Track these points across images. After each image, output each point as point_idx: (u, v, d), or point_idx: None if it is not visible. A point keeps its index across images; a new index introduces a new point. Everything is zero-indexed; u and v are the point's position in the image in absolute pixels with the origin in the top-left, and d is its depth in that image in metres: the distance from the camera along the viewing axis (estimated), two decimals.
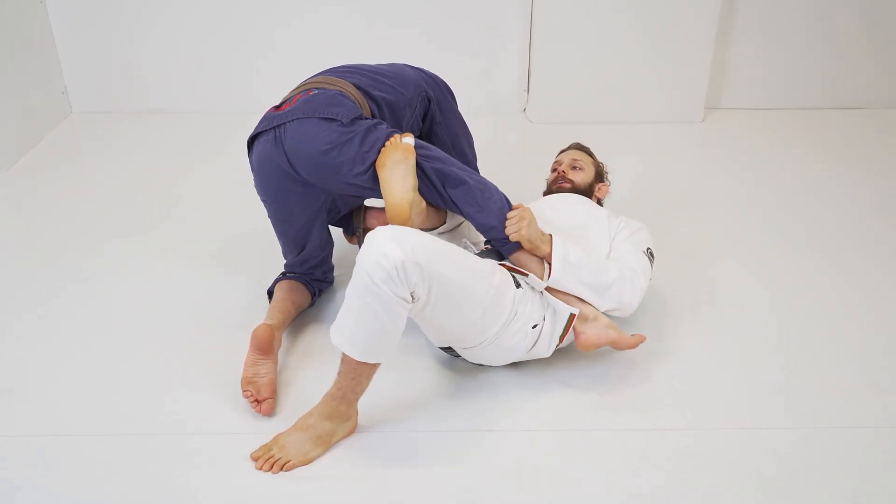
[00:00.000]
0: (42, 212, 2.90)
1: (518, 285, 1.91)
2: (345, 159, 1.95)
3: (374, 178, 1.96)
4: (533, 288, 1.97)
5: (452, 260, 1.75)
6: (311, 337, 2.20)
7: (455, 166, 2.02)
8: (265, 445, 1.79)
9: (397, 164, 1.91)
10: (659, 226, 2.62)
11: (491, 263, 1.90)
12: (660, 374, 2.05)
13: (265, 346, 1.99)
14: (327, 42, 3.62)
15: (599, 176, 2.41)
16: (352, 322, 1.71)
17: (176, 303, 2.36)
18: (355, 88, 2.09)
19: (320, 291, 2.32)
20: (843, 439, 1.85)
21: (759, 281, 2.46)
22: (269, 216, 2.19)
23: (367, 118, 2.01)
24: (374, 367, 1.76)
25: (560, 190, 2.35)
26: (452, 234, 2.26)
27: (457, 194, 1.99)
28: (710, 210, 2.91)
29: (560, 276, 1.95)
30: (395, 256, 1.63)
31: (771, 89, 3.78)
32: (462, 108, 2.47)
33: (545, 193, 2.42)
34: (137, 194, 3.02)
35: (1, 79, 3.22)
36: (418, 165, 1.97)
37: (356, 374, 1.75)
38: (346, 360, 1.74)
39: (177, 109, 3.76)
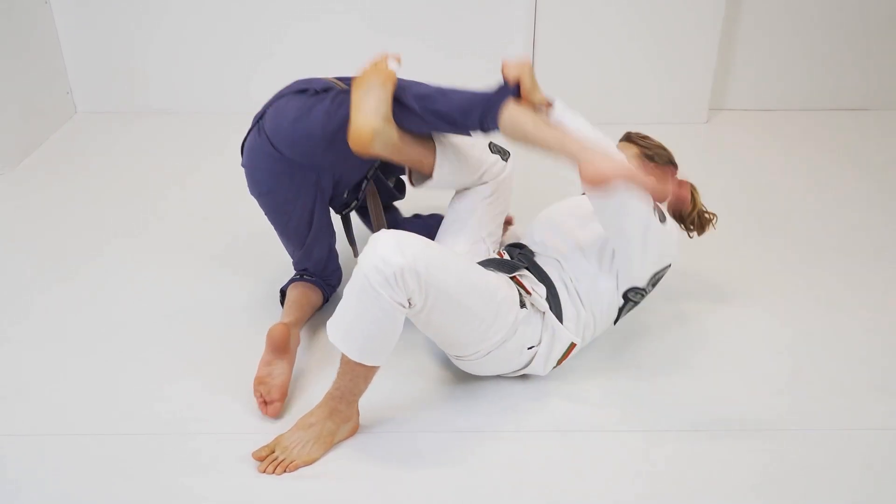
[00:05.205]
0: (46, 212, 2.91)
1: (523, 305, 1.88)
2: (315, 123, 1.95)
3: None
4: (536, 307, 1.93)
5: (455, 272, 1.73)
6: (322, 337, 2.19)
7: (438, 89, 1.92)
8: (267, 446, 1.79)
9: (373, 89, 1.86)
10: None
11: (497, 278, 1.87)
12: (661, 375, 2.04)
13: (280, 346, 1.97)
14: (329, 42, 3.62)
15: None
16: (348, 321, 1.71)
17: (180, 302, 2.36)
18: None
19: (333, 291, 2.33)
20: (848, 441, 1.85)
21: (762, 281, 2.46)
22: (266, 215, 2.17)
23: (341, 89, 2.00)
24: (372, 369, 1.76)
25: None
26: (472, 190, 2.21)
27: (437, 104, 1.87)
28: (713, 210, 2.89)
29: (561, 112, 1.85)
30: (394, 263, 1.63)
31: (775, 90, 3.77)
32: None
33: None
34: (142, 194, 3.03)
35: (6, 79, 3.24)
36: (397, 98, 1.91)
37: (354, 375, 1.76)
38: (344, 359, 1.75)
39: (181, 110, 3.76)
